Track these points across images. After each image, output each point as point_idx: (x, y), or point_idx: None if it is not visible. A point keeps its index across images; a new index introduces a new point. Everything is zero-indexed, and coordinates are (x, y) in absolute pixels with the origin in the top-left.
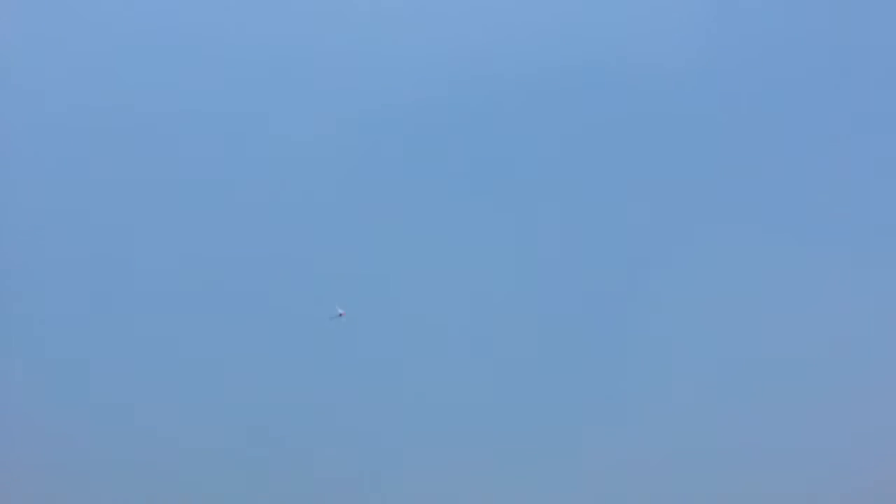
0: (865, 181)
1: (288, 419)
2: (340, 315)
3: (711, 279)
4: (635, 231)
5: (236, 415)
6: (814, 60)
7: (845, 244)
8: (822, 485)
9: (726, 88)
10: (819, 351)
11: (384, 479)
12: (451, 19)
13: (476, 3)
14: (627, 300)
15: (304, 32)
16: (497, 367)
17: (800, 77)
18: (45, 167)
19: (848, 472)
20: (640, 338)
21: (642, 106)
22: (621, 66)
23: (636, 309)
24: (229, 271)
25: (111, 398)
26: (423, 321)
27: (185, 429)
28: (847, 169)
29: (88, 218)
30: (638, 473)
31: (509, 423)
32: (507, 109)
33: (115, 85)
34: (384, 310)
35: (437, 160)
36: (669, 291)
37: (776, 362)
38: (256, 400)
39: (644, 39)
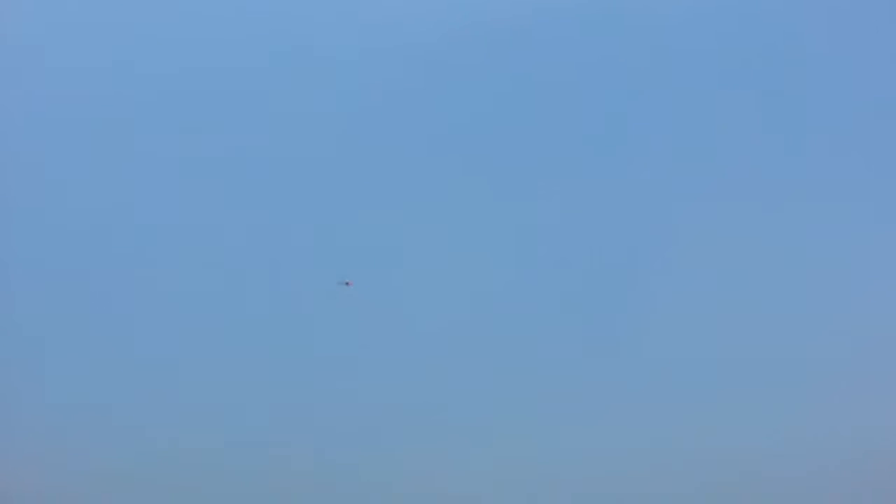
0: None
1: (286, 418)
2: (347, 284)
3: (720, 264)
4: (638, 202)
5: (237, 415)
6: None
7: (870, 233)
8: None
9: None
10: (823, 343)
11: (383, 476)
12: None
13: None
14: (630, 278)
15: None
16: (494, 361)
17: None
18: (44, 160)
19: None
20: (647, 321)
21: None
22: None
23: (641, 288)
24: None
25: (106, 397)
26: (418, 316)
27: (187, 429)
28: (871, 146)
29: (86, 214)
30: (638, 474)
31: (508, 420)
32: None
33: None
34: (382, 301)
35: (425, 127)
36: (672, 277)
37: (779, 359)
38: (257, 399)
39: None
